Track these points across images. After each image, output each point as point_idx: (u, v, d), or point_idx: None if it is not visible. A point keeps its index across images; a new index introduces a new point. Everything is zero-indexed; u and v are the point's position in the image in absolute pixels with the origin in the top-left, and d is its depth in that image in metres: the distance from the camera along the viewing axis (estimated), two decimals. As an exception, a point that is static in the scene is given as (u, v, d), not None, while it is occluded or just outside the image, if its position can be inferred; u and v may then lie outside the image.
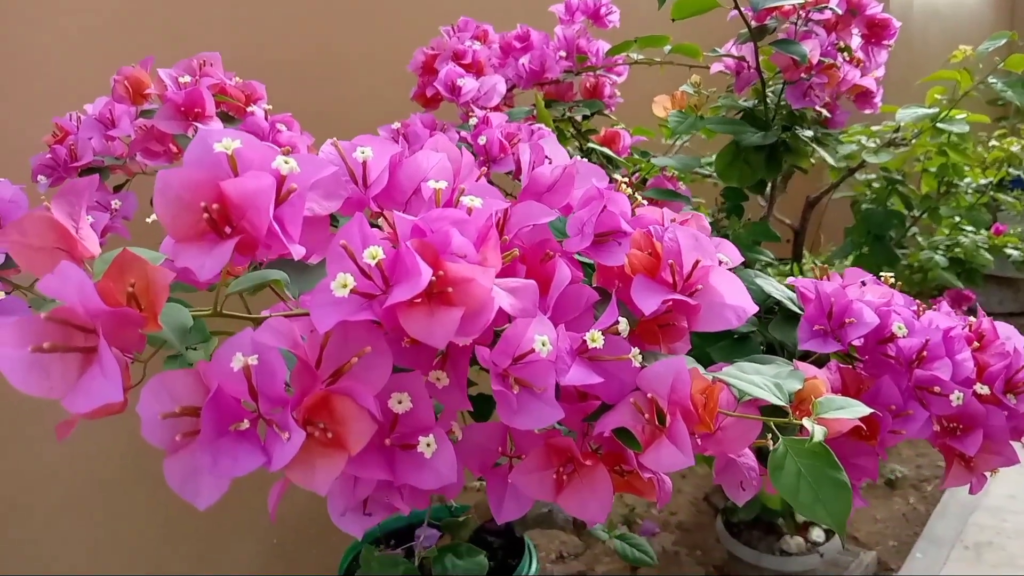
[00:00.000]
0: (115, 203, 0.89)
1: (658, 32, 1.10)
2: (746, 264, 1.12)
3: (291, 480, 0.38)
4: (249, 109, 0.86)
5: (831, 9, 0.96)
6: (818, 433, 0.46)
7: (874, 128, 1.49)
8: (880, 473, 1.93)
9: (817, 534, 1.55)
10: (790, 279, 0.67)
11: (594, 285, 0.60)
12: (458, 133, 1.00)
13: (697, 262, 0.51)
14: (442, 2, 1.47)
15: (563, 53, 1.15)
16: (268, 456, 0.38)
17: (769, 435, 0.51)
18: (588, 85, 1.22)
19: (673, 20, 0.90)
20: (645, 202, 0.58)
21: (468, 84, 1.00)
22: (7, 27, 1.01)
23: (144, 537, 1.22)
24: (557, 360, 0.45)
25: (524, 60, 1.12)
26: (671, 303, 0.51)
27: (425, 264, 0.40)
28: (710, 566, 1.64)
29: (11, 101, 1.02)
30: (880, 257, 1.46)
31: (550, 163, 0.57)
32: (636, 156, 1.17)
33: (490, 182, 1.00)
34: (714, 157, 1.12)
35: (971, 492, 0.65)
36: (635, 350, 0.48)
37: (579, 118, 1.18)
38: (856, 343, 0.62)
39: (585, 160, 0.60)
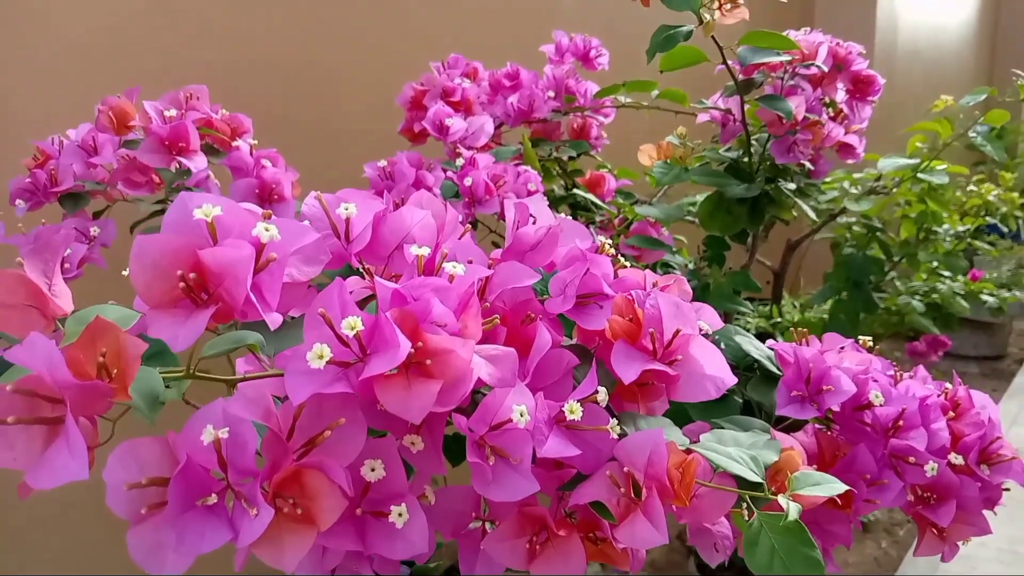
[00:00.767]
0: (94, 230, 0.88)
1: (647, 76, 1.11)
2: (726, 318, 1.12)
3: (258, 557, 0.37)
4: (234, 143, 0.85)
5: (817, 66, 0.97)
6: (793, 511, 0.46)
7: (856, 175, 1.51)
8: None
9: (790, 577, 1.55)
10: (770, 342, 0.67)
11: (574, 339, 0.59)
12: (444, 171, 0.99)
13: (678, 331, 0.51)
14: (433, 24, 1.48)
15: (552, 93, 1.16)
16: (235, 531, 0.37)
17: (744, 504, 0.51)
18: (575, 125, 1.23)
19: (661, 72, 0.91)
20: (628, 264, 0.58)
21: (456, 124, 1.00)
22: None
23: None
24: (535, 430, 0.45)
25: (513, 99, 1.13)
26: (651, 372, 0.51)
27: (404, 336, 0.39)
28: (682, 606, 1.64)
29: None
30: (859, 303, 1.47)
31: (535, 222, 0.57)
32: (620, 200, 1.18)
33: (475, 222, 1.01)
34: (698, 200, 1.12)
35: (943, 560, 0.65)
36: (613, 421, 0.48)
37: (565, 158, 1.19)
38: (833, 408, 0.63)
39: (569, 218, 0.60)
